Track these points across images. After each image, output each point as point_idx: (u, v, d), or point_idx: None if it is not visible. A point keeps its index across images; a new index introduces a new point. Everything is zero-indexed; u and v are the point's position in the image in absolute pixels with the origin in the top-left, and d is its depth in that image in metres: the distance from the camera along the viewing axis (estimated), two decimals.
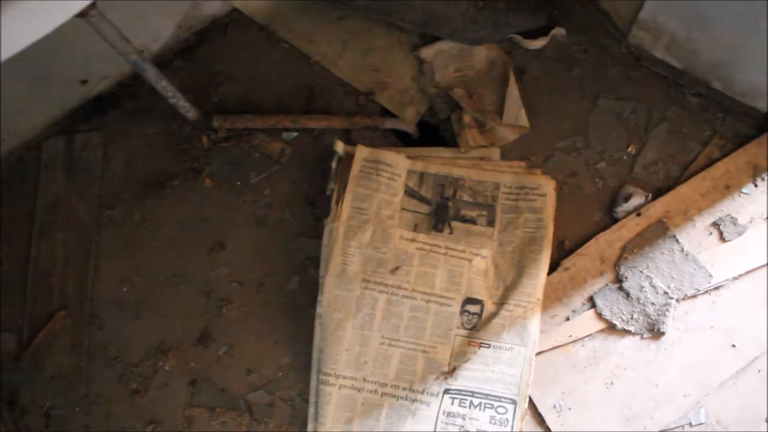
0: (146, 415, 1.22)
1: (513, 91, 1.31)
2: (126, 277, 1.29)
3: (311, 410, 1.16)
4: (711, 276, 1.16)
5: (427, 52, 1.34)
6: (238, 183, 1.31)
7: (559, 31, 1.34)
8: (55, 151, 1.36)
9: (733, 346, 1.14)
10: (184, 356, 1.24)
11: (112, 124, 1.37)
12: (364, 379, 1.15)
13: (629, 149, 1.28)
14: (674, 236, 1.19)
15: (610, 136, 1.29)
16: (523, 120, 1.30)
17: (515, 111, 1.30)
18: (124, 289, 1.28)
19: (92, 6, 0.90)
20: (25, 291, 1.29)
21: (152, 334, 1.25)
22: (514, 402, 1.13)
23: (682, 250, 1.18)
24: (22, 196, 1.35)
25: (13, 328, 1.29)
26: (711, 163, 1.25)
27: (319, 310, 1.18)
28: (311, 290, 1.22)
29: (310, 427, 1.15)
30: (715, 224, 1.20)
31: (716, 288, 1.17)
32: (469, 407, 1.13)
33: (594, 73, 1.33)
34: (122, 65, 1.27)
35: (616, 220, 1.22)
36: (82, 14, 0.87)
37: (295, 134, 1.32)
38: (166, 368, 1.24)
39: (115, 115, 1.37)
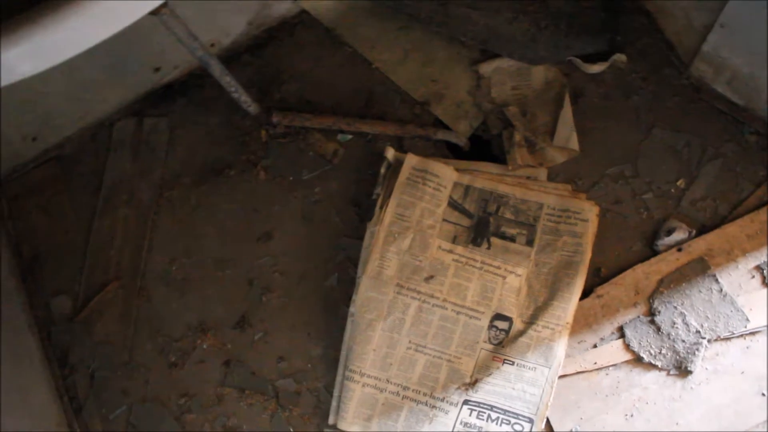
0: (180, 388, 1.29)
1: (567, 114, 1.32)
2: (176, 257, 1.36)
3: (334, 403, 1.20)
4: (748, 320, 1.15)
5: (486, 68, 1.36)
6: (291, 178, 1.36)
7: (620, 57, 1.34)
8: (125, 133, 1.45)
9: (763, 394, 1.12)
10: (221, 337, 1.30)
11: (178, 111, 1.44)
12: (388, 381, 1.19)
13: (678, 183, 1.27)
14: (714, 275, 1.17)
15: (660, 168, 1.28)
16: (574, 143, 1.30)
17: (567, 134, 1.31)
18: (174, 268, 1.35)
19: (164, 5, 0.96)
20: (85, 259, 1.38)
21: (194, 312, 1.32)
22: (531, 421, 1.14)
23: (721, 290, 1.17)
24: (91, 171, 1.44)
25: (69, 292, 1.38)
26: (762, 204, 1.22)
27: (352, 308, 1.22)
28: (348, 289, 1.26)
29: (331, 419, 1.20)
30: (759, 268, 1.18)
31: (752, 333, 1.15)
32: (487, 420, 1.15)
33: (651, 103, 1.32)
34: (193, 57, 1.33)
35: (656, 253, 1.22)
36: (153, 12, 0.94)
37: (349, 137, 1.37)
38: (204, 346, 1.30)
39: (183, 103, 1.45)
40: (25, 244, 1.42)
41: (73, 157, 1.46)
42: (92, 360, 1.33)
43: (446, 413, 1.16)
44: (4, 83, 0.75)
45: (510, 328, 1.19)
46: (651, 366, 1.15)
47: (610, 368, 1.16)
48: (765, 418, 1.11)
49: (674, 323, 1.16)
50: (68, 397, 1.32)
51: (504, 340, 1.18)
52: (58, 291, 1.38)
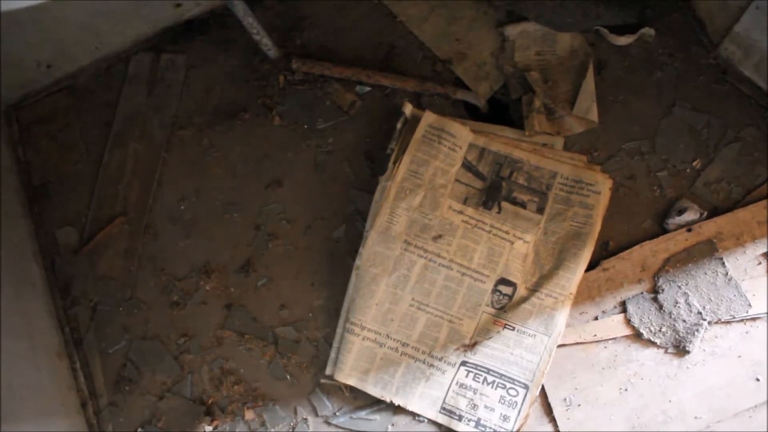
0: (180, 328, 1.30)
1: (589, 84, 1.30)
2: (185, 197, 1.35)
3: (332, 355, 1.22)
4: (750, 306, 1.15)
5: (512, 31, 1.34)
6: (305, 126, 1.35)
7: (647, 31, 1.31)
8: (141, 67, 1.43)
9: (757, 379, 1.13)
10: (224, 280, 1.30)
11: (197, 49, 1.42)
12: (388, 336, 1.19)
13: (695, 163, 1.26)
14: (721, 259, 1.17)
15: (677, 146, 1.27)
16: (594, 114, 1.29)
17: (587, 104, 1.30)
18: (182, 208, 1.35)
19: None
20: (93, 192, 1.38)
21: (199, 254, 1.32)
22: (526, 387, 1.15)
23: (726, 274, 1.17)
24: (104, 104, 1.42)
25: (76, 224, 1.38)
26: None
27: (358, 261, 1.22)
28: (355, 241, 1.26)
29: (328, 370, 1.21)
30: (766, 255, 1.18)
31: (753, 319, 1.15)
32: (483, 383, 1.16)
33: (675, 80, 1.30)
34: None
35: (665, 231, 1.22)
36: None
37: (368, 89, 1.35)
38: (207, 288, 1.31)
39: (202, 41, 1.42)
40: (34, 171, 1.42)
41: (87, 88, 1.44)
42: (94, 294, 1.34)
43: (443, 373, 1.17)
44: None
45: (513, 293, 1.19)
46: (649, 343, 1.16)
47: (609, 342, 1.17)
48: (755, 403, 1.12)
49: (677, 302, 1.16)
50: (69, 328, 1.33)
51: (506, 305, 1.19)
52: (64, 222, 1.38)
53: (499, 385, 1.16)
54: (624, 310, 1.18)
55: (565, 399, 1.16)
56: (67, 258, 1.36)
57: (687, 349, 1.14)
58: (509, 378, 1.16)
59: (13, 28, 1.25)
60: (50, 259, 1.37)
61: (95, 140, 1.41)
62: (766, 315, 1.15)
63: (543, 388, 1.16)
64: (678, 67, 1.31)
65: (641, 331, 1.16)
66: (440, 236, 1.22)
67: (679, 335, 1.15)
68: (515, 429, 1.15)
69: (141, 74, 1.43)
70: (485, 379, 1.16)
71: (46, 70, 1.40)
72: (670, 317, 1.16)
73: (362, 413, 1.21)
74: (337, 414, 1.22)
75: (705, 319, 1.15)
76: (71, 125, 1.43)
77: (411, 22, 1.37)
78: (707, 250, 1.18)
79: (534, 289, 1.19)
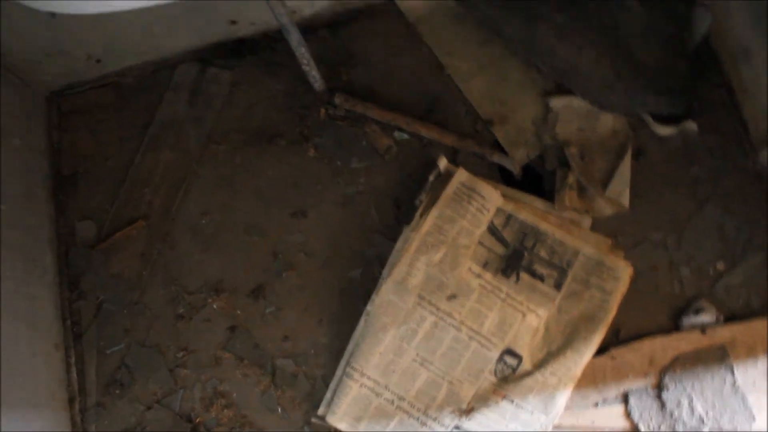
0: (182, 341, 1.30)
1: (625, 168, 1.30)
2: (209, 211, 1.36)
3: (328, 395, 1.21)
4: (754, 420, 1.14)
5: (557, 102, 1.35)
6: (339, 162, 1.35)
7: (690, 125, 1.32)
8: (187, 76, 1.44)
9: None
10: (233, 301, 1.30)
11: (244, 68, 1.43)
12: (386, 387, 1.18)
13: (718, 265, 1.25)
14: (731, 367, 1.16)
15: (704, 245, 1.26)
16: (625, 199, 1.29)
17: (620, 187, 1.30)
18: (204, 221, 1.35)
19: None
20: (119, 191, 1.38)
21: (213, 270, 1.32)
22: None
23: (734, 383, 1.16)
24: (145, 106, 1.43)
25: (97, 219, 1.38)
26: None
27: (369, 307, 1.22)
28: (369, 286, 1.25)
29: (321, 410, 1.20)
30: None
31: None
32: None
33: (711, 178, 1.30)
34: (272, 19, 1.32)
35: (678, 329, 1.21)
36: None
37: (406, 136, 1.35)
38: (214, 306, 1.30)
39: (250, 61, 1.43)
40: (65, 160, 1.43)
41: (131, 87, 1.45)
42: (102, 291, 1.34)
43: None
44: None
45: (518, 366, 1.18)
46: None
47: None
48: None
49: (680, 403, 1.15)
50: (71, 321, 1.33)
51: (509, 376, 1.18)
52: (86, 215, 1.39)
53: None
54: (625, 402, 1.17)
55: None
56: (82, 251, 1.37)
57: None
58: None
59: (71, 21, 1.27)
60: (65, 249, 1.37)
61: (130, 140, 1.42)
62: None
63: None
64: (716, 165, 1.31)
65: (640, 426, 1.15)
66: (455, 296, 1.21)
67: None
68: None
69: (185, 83, 1.44)
70: None
71: (95, 64, 1.42)
72: (671, 417, 1.14)
73: None
74: None
75: (706, 426, 1.13)
76: (110, 121, 1.44)
77: (458, 77, 1.38)
78: (719, 356, 1.17)
79: (539, 366, 1.18)
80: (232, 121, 1.40)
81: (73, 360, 1.31)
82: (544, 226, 1.27)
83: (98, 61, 1.42)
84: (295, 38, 1.21)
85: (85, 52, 1.38)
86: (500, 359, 1.19)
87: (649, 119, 1.32)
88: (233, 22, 1.39)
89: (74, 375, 1.31)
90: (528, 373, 1.17)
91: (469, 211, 1.25)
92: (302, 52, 1.25)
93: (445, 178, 1.28)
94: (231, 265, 1.32)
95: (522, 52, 1.36)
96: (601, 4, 1.36)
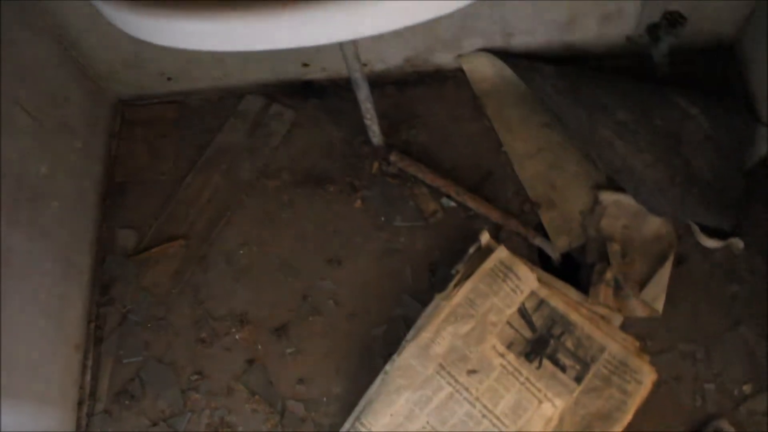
0: (198, 365, 1.31)
1: (664, 274, 1.30)
2: (247, 243, 1.38)
3: None
4: None
5: (607, 197, 1.35)
6: (382, 218, 1.37)
7: (737, 243, 1.31)
8: (251, 107, 1.48)
9: None
10: (256, 335, 1.31)
11: (307, 110, 1.47)
12: None
13: (745, 387, 1.23)
14: None
15: (733, 364, 1.25)
16: (660, 304, 1.28)
17: (656, 292, 1.29)
18: (241, 251, 1.37)
19: None
20: (165, 207, 1.42)
21: (242, 301, 1.34)
22: None
23: None
24: (206, 129, 1.48)
25: (139, 230, 1.41)
26: None
27: (388, 367, 1.21)
28: (391, 345, 1.25)
29: None
30: None
31: None
32: None
33: (750, 299, 1.29)
34: (344, 68, 1.35)
35: None
36: None
37: (453, 204, 1.37)
38: (237, 336, 1.32)
39: (315, 104, 1.47)
40: (119, 168, 1.47)
41: (196, 108, 1.50)
42: (131, 301, 1.36)
43: None
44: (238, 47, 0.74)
45: None
46: None
47: None
48: None
49: None
50: (95, 324, 1.35)
51: None
52: (129, 224, 1.42)
53: None
54: None
55: None
56: (118, 259, 1.39)
57: None
58: None
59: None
60: (103, 255, 1.40)
61: (185, 159, 1.46)
62: None
63: None
64: (756, 287, 1.30)
65: None
66: (475, 371, 1.21)
67: None
68: None
69: (248, 114, 1.47)
70: None
71: (165, 81, 1.47)
72: None
73: None
74: None
75: None
76: (169, 137, 1.48)
77: (514, 156, 1.40)
78: None
79: None
80: (286, 160, 1.43)
81: (90, 363, 1.33)
82: (574, 316, 1.26)
83: (169, 78, 1.46)
84: (363, 93, 1.24)
85: (159, 69, 1.43)
86: None
87: (696, 229, 1.32)
88: (305, 65, 1.44)
89: (88, 378, 1.32)
90: None
91: (503, 289, 1.26)
92: (367, 107, 1.28)
93: (485, 252, 1.29)
94: (259, 299, 1.34)
95: (580, 142, 1.37)
96: (665, 107, 1.38)
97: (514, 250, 1.30)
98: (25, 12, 1.25)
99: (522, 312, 1.26)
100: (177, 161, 1.46)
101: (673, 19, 1.34)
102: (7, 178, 1.17)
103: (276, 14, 0.69)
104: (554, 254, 1.33)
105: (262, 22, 0.70)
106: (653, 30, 1.38)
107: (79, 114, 1.40)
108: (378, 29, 0.72)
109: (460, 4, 0.73)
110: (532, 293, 1.27)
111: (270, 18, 0.70)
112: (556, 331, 1.25)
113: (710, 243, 1.32)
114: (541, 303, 1.27)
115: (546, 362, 1.23)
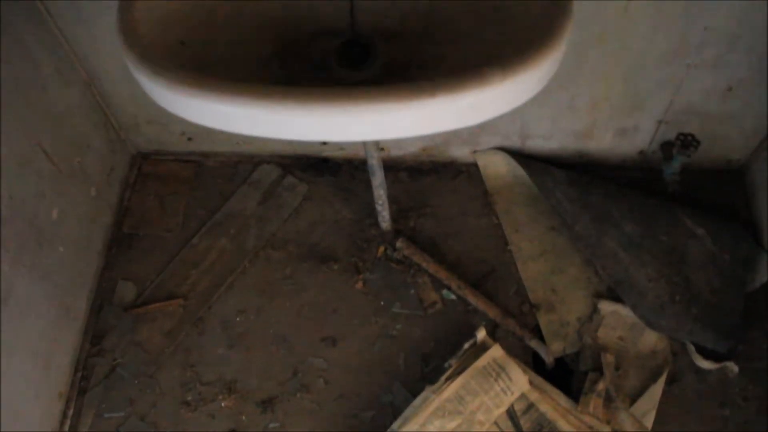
0: (179, 428, 1.28)
1: (656, 390, 1.30)
2: (245, 311, 1.38)
3: None
4: None
5: (606, 307, 1.36)
6: (382, 303, 1.38)
7: (732, 367, 1.31)
8: (265, 177, 1.51)
9: None
10: (241, 405, 1.30)
11: (320, 186, 1.50)
12: None
13: None
14: None
15: None
16: (649, 421, 1.27)
17: (647, 408, 1.28)
18: (238, 319, 1.37)
19: None
20: (168, 264, 1.42)
21: (232, 369, 1.33)
22: None
23: None
24: (218, 192, 1.50)
25: (139, 284, 1.42)
26: None
27: None
28: (377, 431, 1.25)
29: None
30: None
31: None
32: None
33: (742, 425, 1.28)
34: (360, 150, 1.39)
35: None
36: None
37: (453, 297, 1.38)
38: (222, 404, 1.30)
39: (328, 181, 1.50)
40: (128, 219, 1.48)
41: (211, 170, 1.53)
42: (121, 355, 1.35)
43: None
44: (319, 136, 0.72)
45: None
46: None
47: None
48: None
49: None
50: (82, 374, 1.34)
51: None
52: (130, 277, 1.42)
53: None
54: None
55: None
56: (116, 310, 1.39)
57: None
58: None
59: None
60: (100, 303, 1.40)
61: (195, 219, 1.47)
62: None
63: None
64: (749, 414, 1.29)
65: None
66: None
67: None
68: None
69: (262, 183, 1.50)
70: None
71: (186, 140, 1.50)
72: None
73: None
74: None
75: None
76: (181, 195, 1.50)
77: (519, 256, 1.41)
78: None
79: None
80: (294, 233, 1.45)
81: (71, 413, 1.31)
82: (562, 423, 1.25)
83: (190, 138, 1.49)
84: (378, 179, 1.27)
85: (181, 129, 1.46)
86: None
87: (692, 349, 1.32)
88: (323, 143, 1.47)
89: (66, 429, 1.30)
90: None
91: (494, 389, 1.25)
92: (380, 194, 1.30)
93: (480, 349, 1.29)
94: (250, 368, 1.33)
95: (585, 250, 1.39)
96: (671, 224, 1.40)
97: (508, 350, 1.30)
98: (61, 62, 1.29)
99: (510, 414, 1.25)
100: (186, 220, 1.47)
101: (687, 141, 1.37)
102: (18, 219, 1.18)
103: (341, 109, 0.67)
104: (548, 358, 1.33)
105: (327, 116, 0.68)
106: (667, 148, 1.42)
107: (98, 162, 1.42)
108: (411, 133, 0.73)
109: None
110: (523, 396, 1.27)
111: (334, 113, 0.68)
112: None
113: (705, 364, 1.32)
114: (531, 406, 1.26)
115: None
